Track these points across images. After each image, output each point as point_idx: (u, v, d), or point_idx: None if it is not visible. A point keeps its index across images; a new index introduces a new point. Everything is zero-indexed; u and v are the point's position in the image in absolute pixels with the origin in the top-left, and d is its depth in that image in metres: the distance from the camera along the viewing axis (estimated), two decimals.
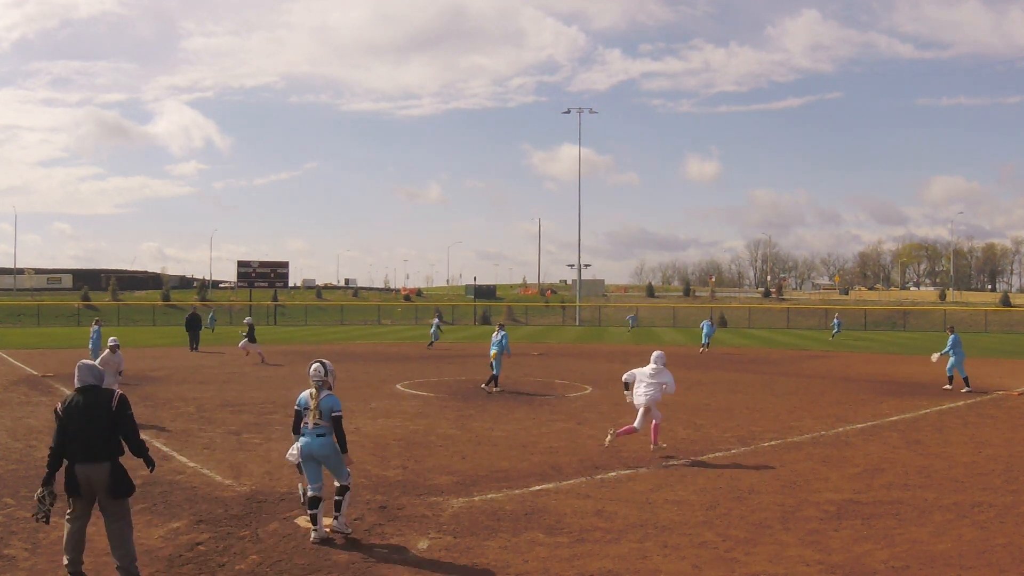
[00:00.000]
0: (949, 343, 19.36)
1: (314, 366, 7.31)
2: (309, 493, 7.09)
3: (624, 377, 11.42)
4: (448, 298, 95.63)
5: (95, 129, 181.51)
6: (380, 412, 14.76)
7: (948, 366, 19.26)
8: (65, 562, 5.95)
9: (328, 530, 7.12)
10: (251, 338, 25.93)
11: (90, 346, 21.82)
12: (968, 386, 18.66)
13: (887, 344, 39.50)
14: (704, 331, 33.73)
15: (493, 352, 18.36)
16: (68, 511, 5.95)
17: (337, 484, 7.19)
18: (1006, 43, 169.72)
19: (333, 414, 7.02)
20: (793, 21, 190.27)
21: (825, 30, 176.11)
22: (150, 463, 6.19)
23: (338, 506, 7.17)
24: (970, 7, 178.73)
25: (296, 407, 7.21)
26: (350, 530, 7.23)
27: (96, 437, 5.83)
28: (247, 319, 27.71)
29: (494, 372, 18.26)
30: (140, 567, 6.09)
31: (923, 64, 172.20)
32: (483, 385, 18.49)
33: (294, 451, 7.16)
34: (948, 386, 18.95)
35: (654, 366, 11.08)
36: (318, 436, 7.02)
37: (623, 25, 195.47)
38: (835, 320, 46.66)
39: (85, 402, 5.93)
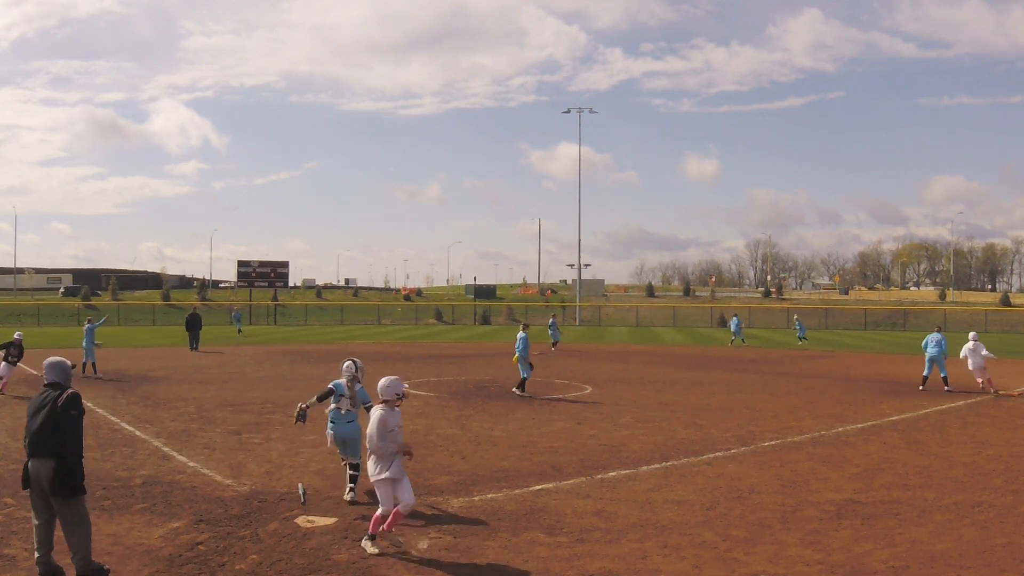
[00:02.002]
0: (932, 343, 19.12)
1: (346, 363, 8.66)
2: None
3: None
4: (448, 298, 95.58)
5: (93, 128, 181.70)
6: None
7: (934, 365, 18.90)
8: (35, 558, 5.96)
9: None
10: (10, 358, 17.75)
11: (84, 344, 21.84)
12: (924, 386, 18.75)
13: (887, 344, 39.48)
14: (732, 327, 38.44)
15: (515, 355, 17.88)
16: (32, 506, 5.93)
17: (352, 461, 8.51)
18: (1008, 43, 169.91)
19: (366, 405, 8.27)
20: (795, 20, 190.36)
21: (827, 29, 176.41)
22: (76, 477, 5.76)
23: (353, 479, 8.45)
24: (972, 7, 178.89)
25: (331, 386, 8.57)
26: (355, 497, 8.42)
27: (42, 432, 5.77)
28: (16, 334, 19.79)
29: (522, 375, 17.67)
30: (141, 567, 6.08)
31: (925, 64, 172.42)
32: (513, 388, 17.91)
33: (328, 432, 8.55)
34: (947, 387, 18.63)
35: (971, 343, 17.98)
36: (348, 422, 8.45)
37: (624, 24, 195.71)
38: (796, 322, 41.47)
39: (43, 398, 5.94)
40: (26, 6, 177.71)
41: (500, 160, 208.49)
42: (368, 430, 6.76)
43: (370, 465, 6.78)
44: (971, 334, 18.65)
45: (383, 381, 6.93)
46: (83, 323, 42.49)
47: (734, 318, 39.62)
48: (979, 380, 18.29)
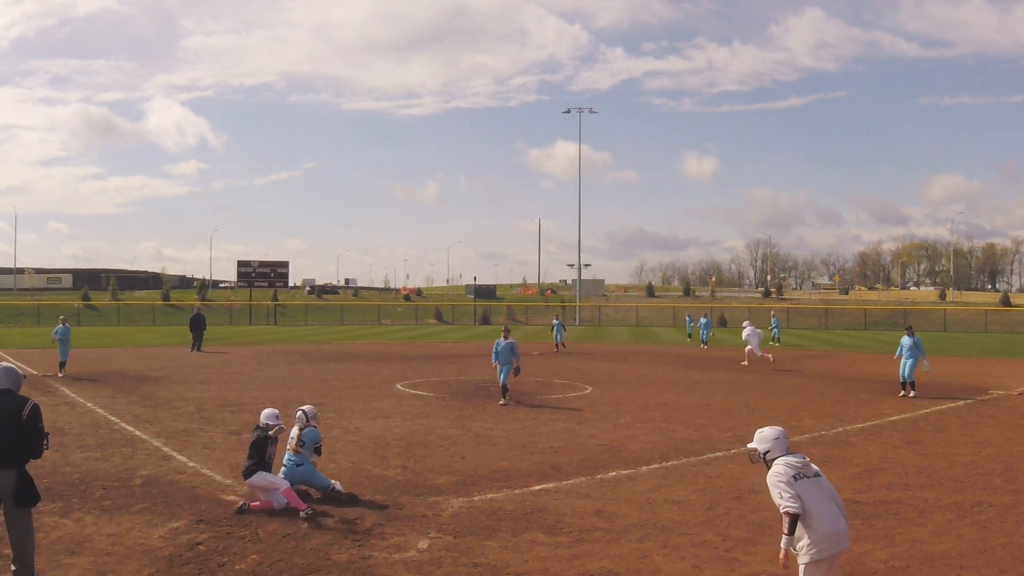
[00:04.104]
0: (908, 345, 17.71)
1: (298, 413, 8.95)
2: None
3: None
4: (448, 298, 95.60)
5: (92, 128, 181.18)
6: (380, 412, 14.76)
7: (909, 370, 17.54)
8: None
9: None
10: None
11: (57, 346, 21.73)
12: (914, 391, 17.38)
13: (887, 344, 39.45)
14: (701, 326, 36.45)
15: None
16: None
17: (323, 493, 8.49)
18: (1011, 42, 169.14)
19: (316, 445, 8.72)
20: (797, 19, 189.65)
21: (829, 28, 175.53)
22: (34, 485, 5.83)
23: (337, 497, 8.45)
24: (975, 6, 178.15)
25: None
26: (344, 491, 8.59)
27: (2, 443, 5.60)
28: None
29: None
30: (141, 567, 6.06)
31: (927, 63, 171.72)
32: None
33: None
34: (913, 393, 17.31)
35: (748, 329, 25.15)
36: (297, 465, 8.52)
37: (626, 23, 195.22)
38: (772, 319, 39.60)
39: None
40: (25, 5, 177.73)
41: (500, 160, 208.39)
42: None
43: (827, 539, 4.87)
44: (745, 322, 26.07)
45: (768, 432, 5.35)
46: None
47: (703, 317, 37.47)
48: (759, 354, 25.50)
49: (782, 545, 4.86)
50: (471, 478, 9.52)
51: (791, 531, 4.81)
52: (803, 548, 4.85)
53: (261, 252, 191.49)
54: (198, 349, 30.28)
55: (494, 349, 16.73)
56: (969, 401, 17.03)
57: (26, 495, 5.67)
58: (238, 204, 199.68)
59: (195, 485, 9.08)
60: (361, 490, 8.87)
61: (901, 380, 17.73)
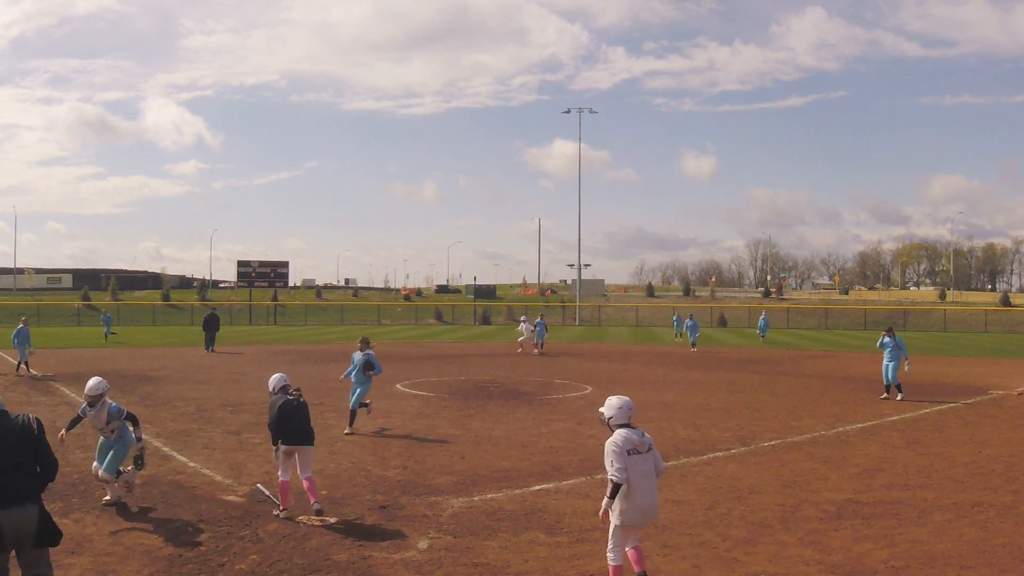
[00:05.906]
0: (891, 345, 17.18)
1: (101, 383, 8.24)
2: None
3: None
4: (448, 298, 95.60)
5: (92, 128, 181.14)
6: (380, 412, 14.76)
7: (892, 372, 16.99)
8: None
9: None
10: None
11: (14, 343, 21.53)
12: (901, 393, 16.89)
13: None
14: (687, 328, 35.67)
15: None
16: None
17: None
18: (1012, 42, 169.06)
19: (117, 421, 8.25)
20: (798, 19, 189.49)
21: (830, 28, 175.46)
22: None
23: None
24: (976, 5, 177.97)
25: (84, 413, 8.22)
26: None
27: (16, 474, 4.61)
28: None
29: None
30: (140, 567, 6.06)
31: (928, 62, 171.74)
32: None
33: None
34: (900, 396, 16.78)
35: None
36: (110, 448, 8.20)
37: (627, 23, 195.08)
38: (761, 319, 41.01)
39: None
40: (25, 4, 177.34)
41: (500, 159, 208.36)
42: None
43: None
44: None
45: (615, 401, 5.94)
46: (101, 323, 40.40)
47: (689, 319, 36.15)
48: (532, 342, 29.94)
49: (603, 505, 5.59)
50: (471, 478, 9.52)
51: (612, 496, 5.52)
52: (616, 512, 5.57)
53: (261, 252, 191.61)
54: (212, 349, 30.22)
55: (351, 364, 13.38)
56: (969, 401, 17.02)
57: (50, 534, 4.76)
58: (238, 204, 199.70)
59: (195, 485, 9.09)
60: (361, 490, 8.87)
61: (884, 383, 17.19)
